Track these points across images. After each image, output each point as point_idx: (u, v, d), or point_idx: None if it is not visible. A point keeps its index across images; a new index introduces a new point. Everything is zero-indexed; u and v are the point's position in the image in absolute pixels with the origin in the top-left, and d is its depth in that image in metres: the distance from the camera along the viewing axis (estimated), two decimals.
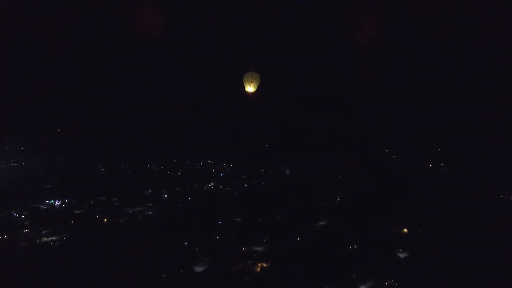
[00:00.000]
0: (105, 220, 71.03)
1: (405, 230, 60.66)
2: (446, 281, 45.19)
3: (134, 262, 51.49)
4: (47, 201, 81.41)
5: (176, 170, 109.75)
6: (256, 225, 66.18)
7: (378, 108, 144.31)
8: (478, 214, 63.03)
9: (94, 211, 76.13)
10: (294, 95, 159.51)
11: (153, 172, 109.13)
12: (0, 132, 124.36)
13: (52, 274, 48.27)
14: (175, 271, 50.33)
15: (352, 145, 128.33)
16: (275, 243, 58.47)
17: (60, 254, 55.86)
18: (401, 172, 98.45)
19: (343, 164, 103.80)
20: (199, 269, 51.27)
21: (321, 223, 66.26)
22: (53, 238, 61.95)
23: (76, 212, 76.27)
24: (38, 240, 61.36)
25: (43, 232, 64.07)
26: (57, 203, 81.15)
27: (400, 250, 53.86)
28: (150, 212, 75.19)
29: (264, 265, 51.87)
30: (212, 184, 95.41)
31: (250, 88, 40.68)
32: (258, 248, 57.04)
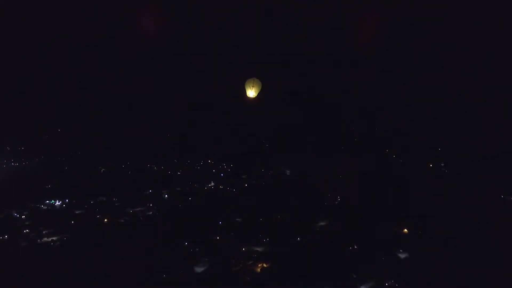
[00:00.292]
0: (105, 220, 71.06)
1: (405, 230, 60.66)
2: (446, 282, 45.20)
3: (134, 262, 51.55)
4: (47, 201, 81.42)
5: (176, 170, 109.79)
6: (256, 225, 66.17)
7: (378, 108, 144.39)
8: (478, 214, 63.00)
9: (94, 211, 76.12)
10: (294, 95, 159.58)
11: (153, 172, 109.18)
12: (0, 132, 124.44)
13: (53, 274, 48.34)
14: (175, 271, 50.39)
15: (352, 145, 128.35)
16: (275, 243, 58.46)
17: (60, 254, 55.93)
18: (401, 172, 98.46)
19: (343, 164, 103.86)
20: (199, 269, 51.29)
21: (322, 223, 66.24)
22: (54, 238, 61.97)
23: (77, 212, 76.26)
24: (38, 240, 61.40)
25: (44, 232, 64.02)
26: (57, 203, 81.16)
27: (400, 251, 53.85)
28: (151, 212, 75.20)
29: (265, 265, 51.90)
30: (212, 184, 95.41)
31: (251, 93, 41.14)
32: (259, 248, 57.04)
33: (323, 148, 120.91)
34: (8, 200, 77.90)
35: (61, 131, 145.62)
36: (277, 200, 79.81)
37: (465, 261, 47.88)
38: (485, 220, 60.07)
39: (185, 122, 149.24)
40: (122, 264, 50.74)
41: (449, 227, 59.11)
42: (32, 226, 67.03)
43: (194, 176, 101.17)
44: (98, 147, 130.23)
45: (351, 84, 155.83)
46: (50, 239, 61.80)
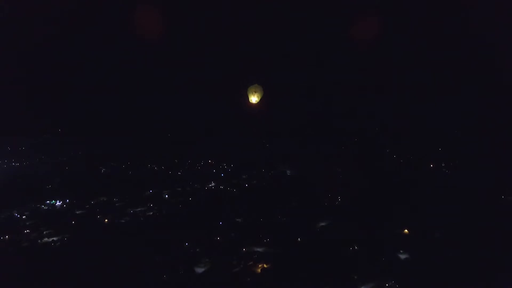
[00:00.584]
0: (106, 220, 71.15)
1: (406, 231, 60.58)
2: (446, 282, 45.18)
3: (135, 262, 51.63)
4: (48, 201, 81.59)
5: (177, 170, 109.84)
6: (257, 226, 66.15)
7: (378, 108, 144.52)
8: (479, 214, 62.95)
9: (95, 211, 76.29)
10: (294, 95, 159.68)
11: (154, 172, 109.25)
12: (0, 132, 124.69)
13: (53, 274, 48.46)
14: (176, 272, 50.43)
15: (353, 145, 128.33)
16: (276, 243, 58.45)
17: (61, 254, 56.07)
18: (402, 172, 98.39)
19: (344, 164, 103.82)
20: (200, 269, 51.32)
21: (322, 223, 66.17)
22: (54, 238, 62.15)
23: (77, 212, 76.45)
24: (39, 241, 61.56)
25: (44, 232, 64.26)
26: (58, 203, 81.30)
27: (401, 251, 53.76)
28: (151, 213, 75.28)
29: (265, 265, 51.89)
30: (213, 184, 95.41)
31: (254, 99, 41.49)
32: (259, 249, 57.02)
33: (323, 148, 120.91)
34: (9, 201, 78.11)
35: (62, 131, 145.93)
36: (278, 200, 79.76)
37: (465, 262, 47.86)
38: (486, 220, 59.99)
39: (186, 122, 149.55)
40: (123, 264, 50.86)
41: (449, 228, 59.04)
42: (33, 227, 67.22)
43: (195, 176, 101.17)
44: (98, 147, 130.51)
45: (352, 83, 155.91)
46: (51, 239, 61.97)
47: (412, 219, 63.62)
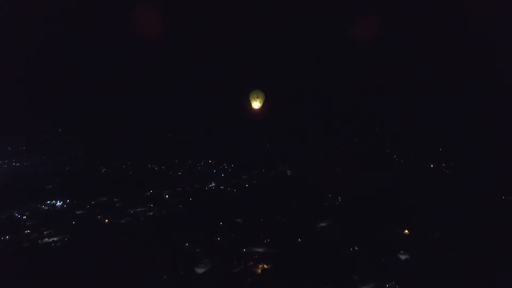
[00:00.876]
0: (106, 220, 71.19)
1: (406, 231, 60.56)
2: (447, 282, 45.17)
3: (135, 262, 51.63)
4: (48, 202, 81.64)
5: (177, 170, 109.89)
6: (257, 226, 66.17)
7: (379, 108, 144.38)
8: (479, 214, 62.94)
9: (95, 211, 76.33)
10: (294, 95, 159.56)
11: (154, 172, 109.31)
12: (1, 132, 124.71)
13: (54, 274, 48.44)
14: (176, 272, 50.44)
15: (353, 145, 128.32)
16: (276, 244, 58.47)
17: (61, 254, 56.06)
18: (402, 172, 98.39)
19: (344, 164, 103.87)
20: (200, 270, 51.32)
21: (322, 224, 66.18)
22: (55, 238, 62.15)
23: (78, 212, 76.49)
24: (39, 241, 61.56)
25: (45, 232, 64.28)
26: (58, 203, 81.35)
27: (402, 252, 53.74)
28: (151, 213, 75.33)
29: (265, 266, 51.89)
30: (213, 184, 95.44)
31: (256, 105, 41.42)
32: (259, 249, 57.01)
33: (323, 148, 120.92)
34: (10, 201, 78.14)
35: (62, 131, 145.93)
36: (278, 200, 79.78)
37: (465, 262, 47.85)
38: (485, 220, 60.00)
39: (186, 122, 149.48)
40: (123, 264, 50.85)
41: (449, 228, 59.04)
42: (34, 227, 67.23)
43: (195, 176, 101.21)
44: (99, 147, 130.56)
45: (352, 83, 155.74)
46: (51, 239, 61.97)
47: (412, 219, 63.63)
